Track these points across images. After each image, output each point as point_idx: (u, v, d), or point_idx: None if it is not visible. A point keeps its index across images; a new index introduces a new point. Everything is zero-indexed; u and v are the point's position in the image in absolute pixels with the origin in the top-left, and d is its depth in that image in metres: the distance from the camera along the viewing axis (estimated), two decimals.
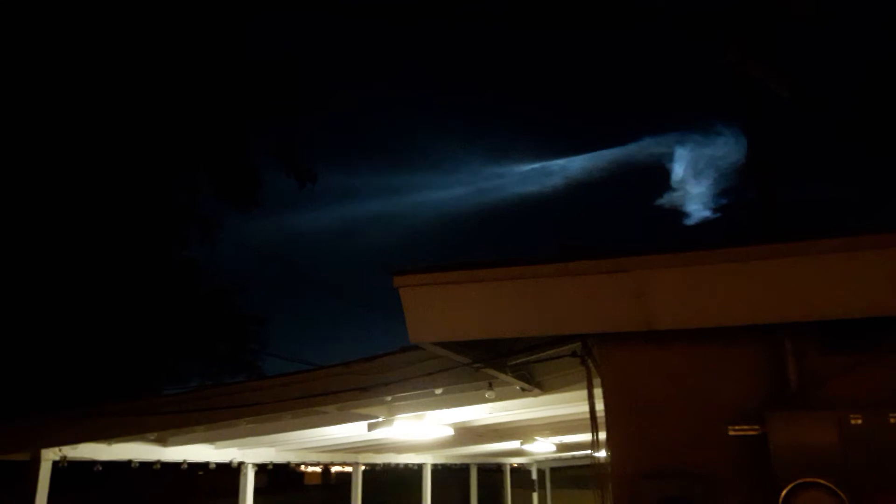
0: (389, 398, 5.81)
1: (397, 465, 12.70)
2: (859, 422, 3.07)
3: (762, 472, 3.14)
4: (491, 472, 18.55)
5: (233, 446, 8.87)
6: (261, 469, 9.44)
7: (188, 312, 12.28)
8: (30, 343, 9.91)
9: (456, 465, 14.46)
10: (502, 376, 4.51)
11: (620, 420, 3.45)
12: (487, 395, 5.33)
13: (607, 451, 3.46)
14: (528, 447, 11.35)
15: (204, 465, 8.62)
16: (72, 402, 8.02)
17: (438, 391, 5.50)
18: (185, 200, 12.13)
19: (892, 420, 3.06)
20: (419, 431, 7.90)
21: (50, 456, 6.61)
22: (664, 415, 3.39)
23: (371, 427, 7.32)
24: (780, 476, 3.05)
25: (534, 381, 5.21)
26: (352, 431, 7.89)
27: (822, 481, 3.00)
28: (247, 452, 9.19)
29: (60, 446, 6.65)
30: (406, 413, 6.96)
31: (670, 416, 3.38)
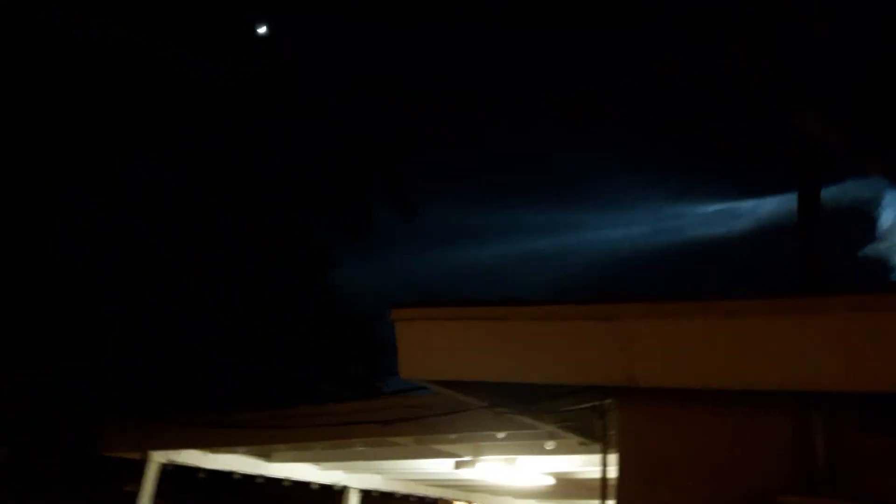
0: (453, 436, 5.64)
1: None
2: None
3: None
4: None
5: (338, 469, 9.01)
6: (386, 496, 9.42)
7: (326, 336, 12.86)
8: (178, 349, 10.85)
9: None
10: (544, 426, 4.21)
11: (631, 491, 3.08)
12: (546, 445, 5.02)
13: None
14: None
15: (307, 485, 8.80)
16: (191, 410, 8.58)
17: (501, 435, 5.26)
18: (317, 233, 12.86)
19: None
20: (509, 477, 7.59)
21: (157, 458, 7.07)
22: (678, 490, 2.98)
23: (458, 465, 7.14)
24: None
25: (597, 435, 4.82)
26: (440, 468, 7.74)
27: None
28: (352, 477, 9.27)
29: (167, 450, 7.11)
30: (492, 455, 6.73)
31: (685, 492, 2.97)
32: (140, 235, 10.88)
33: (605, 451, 3.41)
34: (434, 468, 7.85)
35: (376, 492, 9.79)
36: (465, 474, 7.69)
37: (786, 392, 2.61)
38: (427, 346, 3.09)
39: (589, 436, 4.69)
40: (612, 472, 3.32)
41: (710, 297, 2.47)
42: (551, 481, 7.75)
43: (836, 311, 2.31)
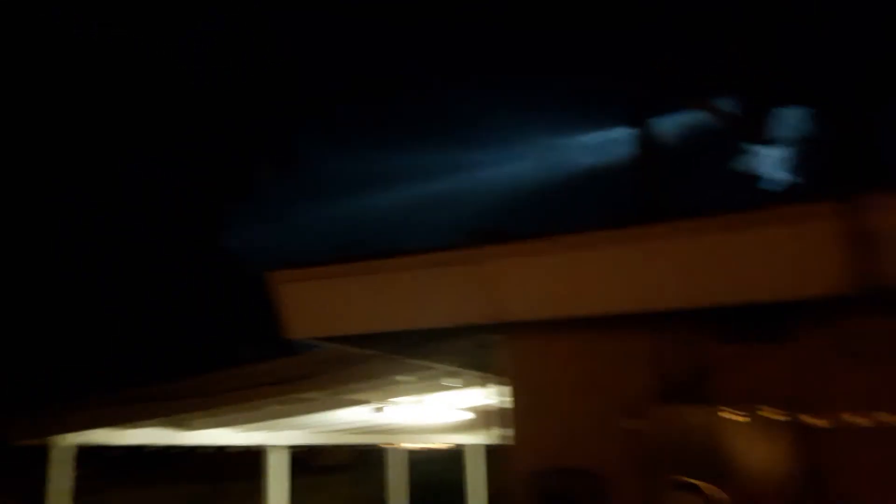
0: (361, 384, 5.82)
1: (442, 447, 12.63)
2: (746, 419, 2.83)
3: (647, 470, 2.96)
4: None
5: (260, 429, 9.08)
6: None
7: (233, 300, 12.72)
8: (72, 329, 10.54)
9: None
10: (442, 366, 4.42)
11: (519, 414, 3.32)
12: (451, 383, 5.27)
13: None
14: None
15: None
16: (105, 388, 8.43)
17: (406, 378, 5.47)
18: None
19: (781, 418, 2.80)
20: (428, 416, 7.90)
21: (68, 441, 6.94)
22: (557, 408, 3.26)
23: (378, 409, 7.35)
24: (658, 474, 2.86)
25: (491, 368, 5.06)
26: (357, 416, 7.94)
27: (700, 483, 2.79)
28: (275, 435, 9.35)
29: (78, 432, 6.97)
30: (404, 397, 6.95)
31: (563, 410, 3.24)
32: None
33: (497, 384, 3.63)
34: (351, 417, 8.05)
35: (304, 447, 9.94)
36: (385, 418, 7.94)
37: (640, 314, 2.85)
38: (308, 304, 3.19)
39: (485, 370, 4.95)
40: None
41: (558, 232, 2.66)
42: (471, 415, 8.11)
43: (673, 237, 2.54)
